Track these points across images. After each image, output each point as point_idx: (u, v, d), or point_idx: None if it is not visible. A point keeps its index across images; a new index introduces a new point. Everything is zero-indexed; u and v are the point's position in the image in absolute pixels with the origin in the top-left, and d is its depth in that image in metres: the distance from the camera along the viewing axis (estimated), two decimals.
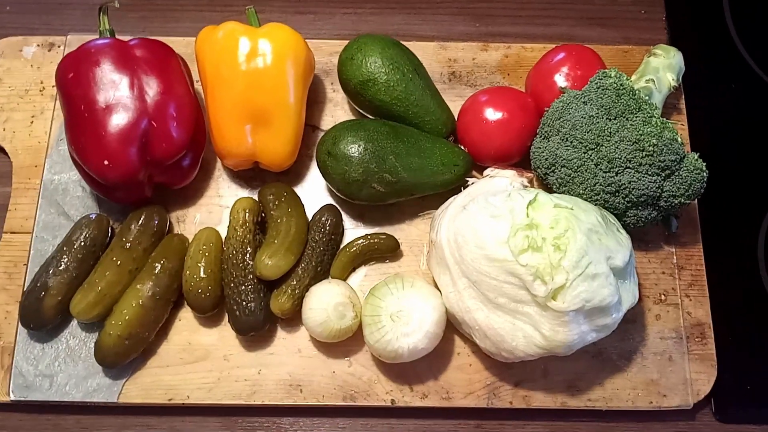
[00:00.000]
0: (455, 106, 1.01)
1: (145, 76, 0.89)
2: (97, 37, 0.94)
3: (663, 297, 0.96)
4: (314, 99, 1.04)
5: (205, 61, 0.94)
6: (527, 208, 0.80)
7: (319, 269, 0.92)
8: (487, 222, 0.81)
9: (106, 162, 0.86)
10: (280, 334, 0.93)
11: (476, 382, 0.91)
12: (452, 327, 0.90)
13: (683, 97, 1.05)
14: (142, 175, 0.89)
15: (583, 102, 0.89)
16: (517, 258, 0.78)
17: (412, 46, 1.01)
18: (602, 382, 0.92)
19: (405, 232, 0.98)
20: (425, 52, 1.05)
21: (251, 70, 0.91)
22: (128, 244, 0.91)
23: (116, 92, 0.87)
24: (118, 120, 0.86)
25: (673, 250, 0.98)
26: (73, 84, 0.88)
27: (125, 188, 0.90)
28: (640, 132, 0.85)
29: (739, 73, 1.08)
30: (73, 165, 0.93)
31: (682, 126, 1.03)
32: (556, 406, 0.91)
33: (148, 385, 0.91)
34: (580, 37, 1.11)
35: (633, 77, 0.96)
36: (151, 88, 0.89)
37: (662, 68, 0.95)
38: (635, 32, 1.11)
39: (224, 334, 0.93)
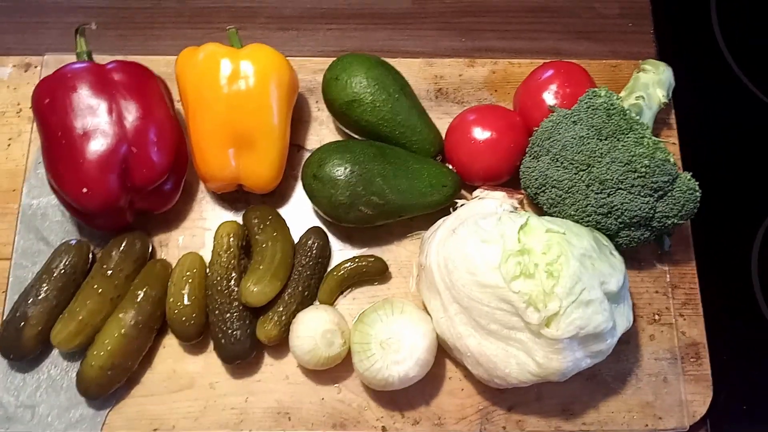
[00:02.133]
0: (442, 124, 0.99)
1: (123, 100, 0.87)
2: (75, 57, 0.92)
3: (657, 317, 0.94)
4: (299, 118, 1.02)
5: (186, 84, 0.92)
6: (519, 232, 0.79)
7: (306, 294, 0.90)
8: (477, 247, 0.79)
9: (84, 190, 0.84)
10: (267, 360, 0.91)
11: (468, 407, 0.90)
12: (443, 350, 0.89)
13: (673, 112, 1.03)
14: (123, 201, 0.87)
15: (573, 122, 0.88)
16: (509, 284, 0.76)
17: (398, 63, 0.99)
18: (597, 405, 0.90)
19: (393, 254, 0.96)
20: (411, 69, 1.04)
21: (233, 92, 0.89)
22: (110, 272, 0.89)
23: (94, 118, 0.85)
24: (97, 146, 0.84)
25: (666, 268, 0.97)
26: (50, 110, 0.85)
27: (105, 215, 0.88)
28: (632, 153, 0.84)
29: (729, 86, 1.07)
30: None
31: (674, 143, 1.01)
32: (551, 431, 0.89)
33: (133, 415, 0.89)
34: (567, 51, 1.09)
35: (622, 93, 0.95)
36: (130, 113, 0.87)
37: (652, 84, 0.94)
38: (623, 46, 1.10)
39: (210, 361, 0.91)
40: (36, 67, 1.04)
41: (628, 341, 0.92)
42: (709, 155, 1.03)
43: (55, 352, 0.90)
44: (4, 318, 0.89)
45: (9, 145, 1.00)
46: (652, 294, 0.96)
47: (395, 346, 0.82)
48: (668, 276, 0.96)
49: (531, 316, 0.76)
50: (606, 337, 0.79)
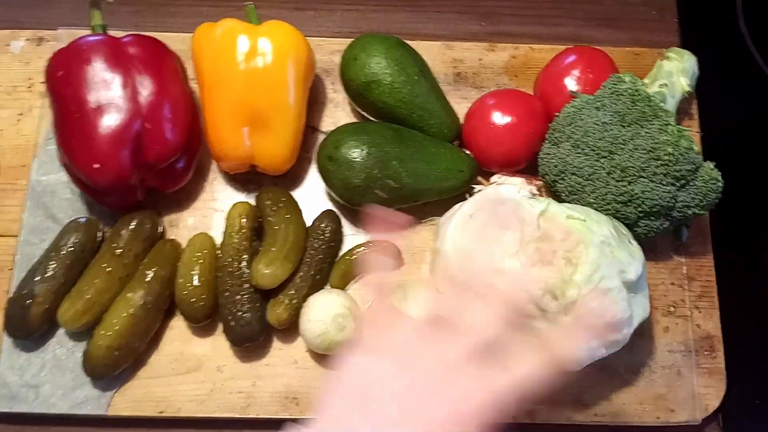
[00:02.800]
0: (460, 108, 0.98)
1: (138, 75, 0.85)
2: (89, 32, 0.90)
3: (672, 309, 0.93)
4: (314, 99, 1.00)
5: (202, 60, 0.90)
6: (538, 219, 0.78)
7: (317, 278, 0.89)
8: (495, 232, 0.78)
9: (96, 165, 0.82)
10: (276, 344, 0.90)
11: None
12: None
13: (696, 102, 1.02)
14: (134, 178, 0.86)
15: (596, 107, 0.86)
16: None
17: (416, 45, 0.98)
18: (609, 397, 0.89)
19: (407, 239, 0.95)
20: (429, 52, 1.02)
21: (250, 70, 0.87)
22: (119, 251, 0.87)
23: (108, 92, 0.83)
24: (110, 121, 0.82)
25: (683, 260, 0.95)
26: (63, 83, 0.84)
27: (116, 192, 0.87)
28: (656, 140, 0.82)
29: (752, 78, 1.04)
30: (62, 166, 0.89)
31: (696, 133, 1.00)
32: (562, 422, 0.88)
33: (139, 396, 0.87)
34: (589, 38, 1.07)
35: (645, 81, 0.93)
36: (145, 88, 0.85)
37: (676, 72, 0.92)
38: (646, 34, 1.08)
39: (218, 344, 0.89)
40: (49, 41, 1.02)
41: (642, 332, 0.90)
42: (730, 147, 1.01)
43: (61, 331, 0.89)
44: (11, 295, 0.88)
45: (19, 120, 0.99)
46: (667, 285, 0.94)
47: None
48: (685, 268, 0.95)
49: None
50: (623, 327, 0.78)
